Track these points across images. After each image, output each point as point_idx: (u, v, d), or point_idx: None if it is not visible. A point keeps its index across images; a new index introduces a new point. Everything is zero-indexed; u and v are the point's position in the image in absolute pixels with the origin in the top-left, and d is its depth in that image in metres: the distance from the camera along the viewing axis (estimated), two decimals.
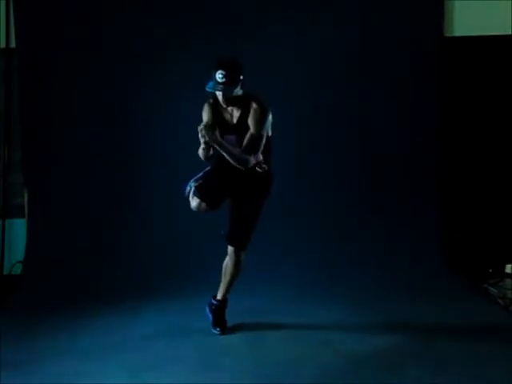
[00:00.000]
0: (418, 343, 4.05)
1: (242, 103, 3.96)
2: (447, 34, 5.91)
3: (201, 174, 4.19)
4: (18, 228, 5.93)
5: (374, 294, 5.14)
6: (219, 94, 3.89)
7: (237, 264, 4.21)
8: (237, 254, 4.19)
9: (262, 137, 3.96)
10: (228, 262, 4.24)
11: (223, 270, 4.29)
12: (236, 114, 4.01)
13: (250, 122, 3.94)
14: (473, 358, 3.79)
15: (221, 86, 3.81)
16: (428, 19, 5.89)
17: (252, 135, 3.94)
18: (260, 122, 3.93)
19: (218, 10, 5.83)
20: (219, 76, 3.79)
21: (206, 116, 4.05)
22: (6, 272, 5.84)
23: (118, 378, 3.60)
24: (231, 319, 4.38)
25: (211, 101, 4.05)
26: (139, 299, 5.08)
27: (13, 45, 5.87)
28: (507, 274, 5.61)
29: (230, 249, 4.22)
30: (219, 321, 4.33)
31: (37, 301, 5.17)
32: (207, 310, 4.42)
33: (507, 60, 5.87)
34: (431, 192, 5.94)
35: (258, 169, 4.07)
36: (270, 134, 4.09)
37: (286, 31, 5.84)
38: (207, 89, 3.86)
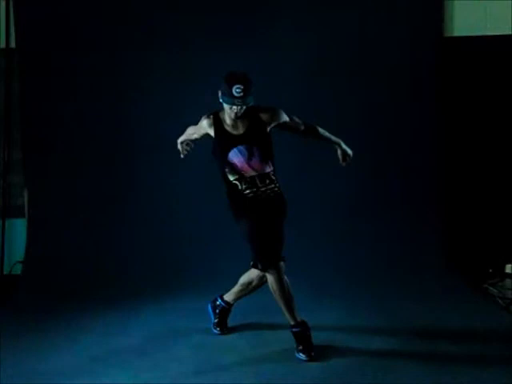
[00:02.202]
0: (418, 343, 4.05)
1: (248, 114, 3.94)
2: (447, 34, 5.91)
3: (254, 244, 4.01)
4: (18, 228, 5.93)
5: (374, 294, 5.14)
6: (233, 108, 3.84)
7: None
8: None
9: (295, 116, 4.14)
10: (253, 278, 4.16)
11: (244, 281, 4.21)
12: (242, 124, 3.97)
13: (283, 121, 4.05)
14: (473, 357, 3.79)
15: (239, 100, 3.80)
16: (428, 19, 5.89)
17: (298, 122, 4.14)
18: (282, 113, 4.06)
19: (218, 10, 5.84)
20: (237, 91, 3.77)
21: (198, 127, 4.08)
22: (6, 272, 5.84)
23: (118, 377, 3.60)
24: (231, 319, 4.38)
25: (211, 117, 4.02)
26: (139, 299, 5.08)
27: (13, 45, 5.87)
28: (507, 273, 5.61)
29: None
30: (222, 322, 4.34)
31: (37, 301, 5.18)
32: (209, 307, 4.41)
33: (507, 60, 5.87)
34: (431, 192, 5.94)
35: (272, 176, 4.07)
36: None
37: (285, 31, 5.83)
38: (223, 102, 3.87)
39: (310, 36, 5.85)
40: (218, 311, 4.36)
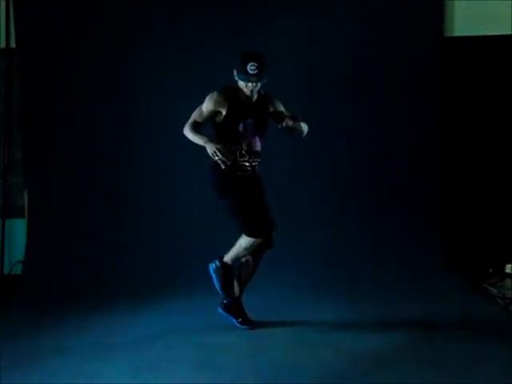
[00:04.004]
0: (418, 343, 4.04)
1: (258, 96, 4.16)
2: (447, 34, 5.92)
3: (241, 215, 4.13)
4: (18, 228, 5.93)
5: (373, 294, 5.13)
6: (248, 86, 4.03)
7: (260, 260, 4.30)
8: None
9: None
10: (251, 261, 4.25)
11: (245, 269, 4.29)
12: (252, 102, 4.14)
13: (279, 110, 4.25)
14: (472, 357, 3.79)
15: (254, 77, 3.99)
16: (428, 19, 5.90)
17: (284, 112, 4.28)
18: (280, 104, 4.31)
19: (218, 10, 5.84)
20: (251, 68, 3.97)
21: (210, 105, 4.09)
22: (6, 272, 5.84)
23: (118, 377, 3.59)
24: (230, 321, 4.38)
25: (222, 91, 4.10)
26: (139, 299, 5.08)
27: (13, 45, 5.87)
28: (507, 273, 5.62)
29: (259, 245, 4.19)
30: (245, 317, 4.32)
31: (37, 301, 5.18)
32: (222, 311, 4.36)
33: (507, 60, 5.87)
34: (431, 192, 5.94)
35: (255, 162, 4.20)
36: None
37: (285, 31, 5.84)
38: (238, 80, 4.05)
39: (310, 36, 5.85)
40: (231, 306, 4.34)
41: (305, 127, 4.18)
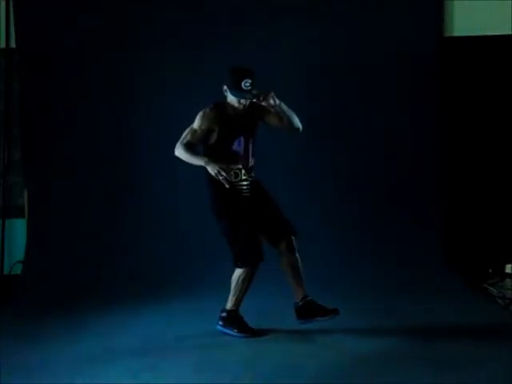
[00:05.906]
0: (418, 343, 4.04)
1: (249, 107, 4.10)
2: (447, 34, 5.92)
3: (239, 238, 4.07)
4: (18, 228, 5.94)
5: (373, 294, 5.14)
6: (241, 102, 3.99)
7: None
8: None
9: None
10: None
11: (234, 278, 4.16)
12: (242, 116, 4.08)
13: (271, 114, 4.12)
14: (473, 357, 3.78)
15: (248, 93, 3.95)
16: (428, 19, 5.90)
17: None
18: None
19: (218, 10, 5.84)
20: (246, 85, 3.93)
21: (203, 123, 4.03)
22: (6, 272, 5.84)
23: (117, 378, 3.59)
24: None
25: (214, 108, 4.05)
26: (139, 299, 5.08)
27: (13, 45, 5.87)
28: (507, 273, 5.62)
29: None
30: (244, 327, 4.20)
31: (37, 301, 5.18)
32: (220, 327, 4.21)
33: (507, 60, 5.87)
34: (431, 192, 5.94)
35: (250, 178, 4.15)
36: None
37: (285, 31, 5.84)
38: (232, 96, 3.99)
39: (310, 35, 5.85)
40: (230, 322, 4.20)
41: (290, 112, 4.14)
